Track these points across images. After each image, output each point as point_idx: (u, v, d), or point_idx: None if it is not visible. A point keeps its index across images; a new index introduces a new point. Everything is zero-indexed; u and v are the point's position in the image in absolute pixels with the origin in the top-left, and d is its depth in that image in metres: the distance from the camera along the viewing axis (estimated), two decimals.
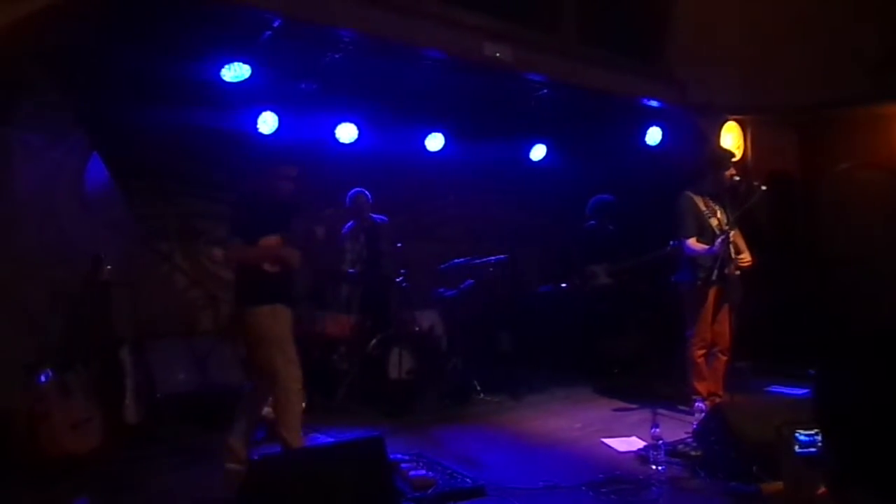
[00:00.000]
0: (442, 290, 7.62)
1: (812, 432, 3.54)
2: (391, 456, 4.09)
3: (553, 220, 9.28)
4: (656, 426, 4.64)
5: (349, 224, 7.25)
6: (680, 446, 4.92)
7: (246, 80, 5.85)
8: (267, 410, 4.78)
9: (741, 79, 8.01)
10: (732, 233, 5.64)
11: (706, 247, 5.66)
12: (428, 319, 7.72)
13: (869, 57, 7.74)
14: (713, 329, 5.79)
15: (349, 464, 3.68)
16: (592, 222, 8.07)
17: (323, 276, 7.19)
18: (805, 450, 3.55)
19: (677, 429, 5.43)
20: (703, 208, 5.82)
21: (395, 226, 7.34)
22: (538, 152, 8.49)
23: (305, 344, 6.49)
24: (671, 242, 6.09)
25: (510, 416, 6.36)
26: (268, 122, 6.54)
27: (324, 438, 5.49)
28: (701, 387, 5.78)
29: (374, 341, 6.53)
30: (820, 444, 3.37)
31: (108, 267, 5.77)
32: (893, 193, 7.80)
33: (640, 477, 4.51)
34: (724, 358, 5.86)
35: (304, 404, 5.80)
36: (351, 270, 7.09)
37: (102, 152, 6.29)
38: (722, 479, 4.32)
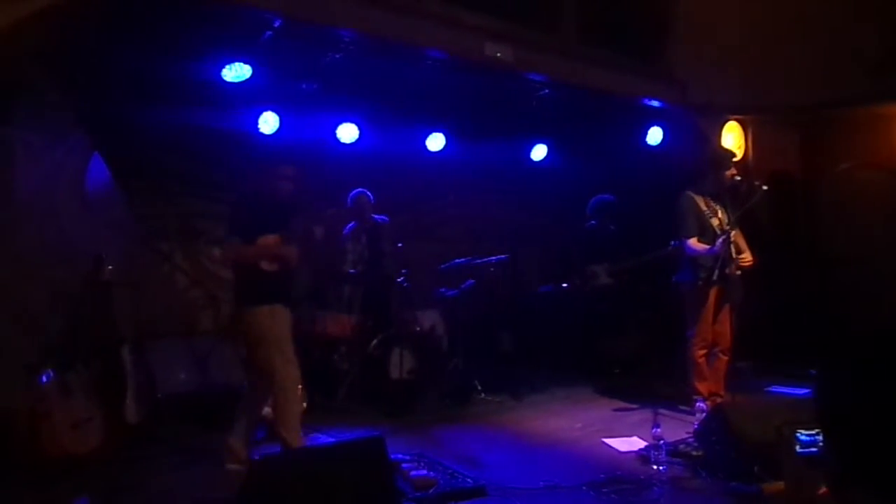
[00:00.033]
0: (443, 290, 7.62)
1: (813, 432, 3.54)
2: (392, 456, 4.08)
3: (554, 220, 9.28)
4: (657, 426, 4.64)
5: (351, 225, 7.25)
6: (681, 446, 4.92)
7: (247, 80, 5.85)
8: (267, 410, 4.79)
9: (742, 79, 8.01)
10: (733, 233, 5.64)
11: (707, 247, 5.66)
12: (429, 319, 7.72)
13: (869, 57, 7.74)
14: (714, 329, 5.79)
15: (350, 464, 3.68)
16: (593, 222, 8.07)
17: (324, 276, 7.19)
18: (806, 450, 3.55)
19: (678, 429, 5.43)
20: (704, 208, 5.82)
21: (395, 226, 7.34)
22: (539, 152, 8.50)
23: (306, 344, 6.52)
24: (672, 242, 6.09)
25: (511, 416, 6.35)
26: (269, 123, 6.55)
27: (325, 438, 5.49)
28: (702, 387, 5.78)
29: (375, 341, 6.53)
30: (821, 444, 3.37)
31: (109, 267, 5.77)
32: (894, 193, 7.80)
33: (641, 477, 4.51)
34: (725, 358, 5.86)
35: (304, 404, 5.84)
36: (352, 271, 7.09)
37: (103, 152, 6.30)
38: (723, 479, 4.32)
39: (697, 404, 5.55)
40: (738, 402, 5.63)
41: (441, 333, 7.84)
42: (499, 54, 6.39)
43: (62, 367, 4.91)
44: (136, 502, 4.34)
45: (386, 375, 6.40)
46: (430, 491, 4.15)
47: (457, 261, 7.38)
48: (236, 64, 5.77)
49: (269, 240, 4.50)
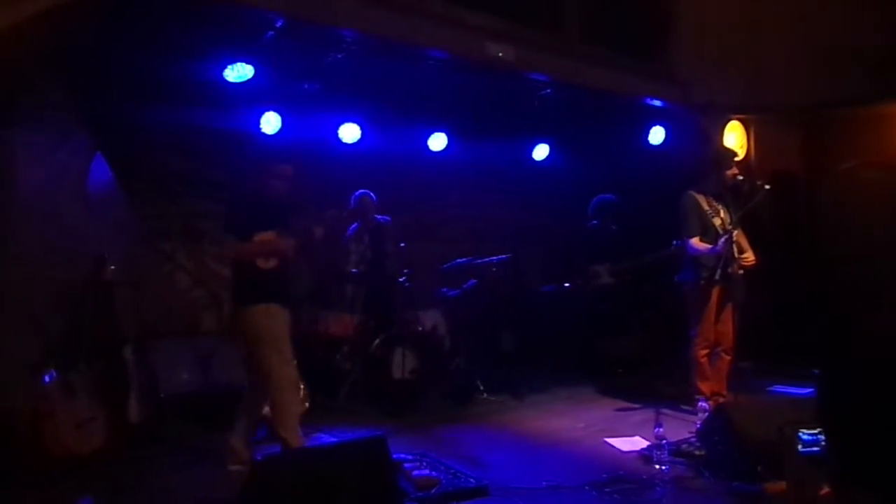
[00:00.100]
0: (445, 289, 7.62)
1: (815, 432, 3.54)
2: (394, 456, 4.08)
3: (556, 219, 9.28)
4: (660, 426, 4.64)
5: (354, 225, 7.26)
6: (683, 446, 4.91)
7: (249, 80, 5.85)
8: (268, 410, 4.79)
9: (744, 78, 8.00)
10: (735, 232, 5.64)
11: (709, 246, 5.65)
12: (431, 319, 7.73)
13: (871, 56, 7.73)
14: (716, 329, 5.78)
15: (352, 463, 3.68)
16: (595, 222, 8.06)
17: (326, 276, 7.20)
18: (808, 449, 3.55)
19: (681, 428, 5.42)
20: (707, 208, 5.82)
21: (397, 226, 7.34)
22: (541, 152, 8.50)
23: (309, 344, 6.53)
24: (674, 242, 6.09)
25: (513, 416, 6.35)
26: (271, 123, 6.56)
27: (327, 438, 5.50)
28: (704, 386, 5.77)
29: (377, 341, 6.53)
30: (823, 443, 3.37)
31: (112, 267, 5.78)
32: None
33: (644, 477, 4.51)
34: (728, 357, 5.86)
35: (307, 404, 5.85)
36: (354, 270, 7.10)
37: (105, 153, 6.31)
38: (726, 478, 4.32)
39: (700, 404, 5.55)
40: (740, 402, 5.63)
41: (443, 333, 7.85)
42: (500, 54, 6.39)
43: (65, 367, 4.92)
44: (139, 502, 4.34)
45: (388, 375, 6.41)
46: (433, 491, 4.15)
47: (458, 261, 7.38)
48: (238, 64, 5.78)
49: (266, 236, 4.50)
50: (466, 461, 4.88)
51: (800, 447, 3.61)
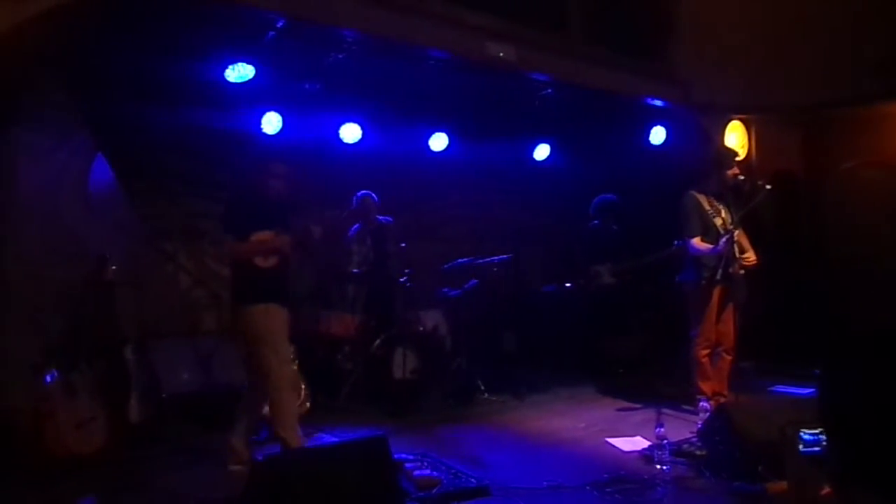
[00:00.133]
0: (446, 289, 7.62)
1: (816, 432, 3.54)
2: (395, 455, 4.08)
3: (557, 219, 9.28)
4: (661, 426, 4.63)
5: (356, 226, 7.27)
6: (685, 446, 4.91)
7: (250, 80, 5.86)
8: (268, 410, 4.79)
9: (745, 78, 8.00)
10: (737, 232, 5.63)
11: (710, 246, 5.65)
12: (432, 319, 7.72)
13: (872, 56, 7.72)
14: (718, 329, 5.78)
15: (353, 463, 3.69)
16: (596, 222, 8.06)
17: (327, 276, 7.20)
18: (809, 449, 3.55)
19: (682, 428, 5.42)
20: (708, 208, 5.81)
21: (398, 226, 7.35)
22: (542, 152, 8.50)
23: (310, 343, 6.54)
24: (675, 242, 6.08)
25: (514, 416, 6.35)
26: (272, 123, 6.56)
27: (328, 438, 5.50)
28: (705, 386, 5.77)
29: (378, 341, 6.54)
30: (824, 443, 3.37)
31: (113, 267, 5.78)
32: None
33: (645, 477, 4.50)
34: (729, 357, 5.85)
35: (308, 404, 5.86)
36: (355, 270, 7.10)
37: (107, 153, 6.31)
38: (727, 478, 4.31)
39: (701, 404, 5.54)
40: (741, 402, 5.62)
41: (444, 333, 7.84)
42: (501, 54, 6.39)
43: (66, 366, 4.93)
44: (140, 502, 4.34)
45: (389, 375, 6.41)
46: (434, 491, 4.15)
47: (460, 261, 7.38)
48: (239, 64, 5.78)
49: (264, 236, 4.50)
50: (467, 461, 4.88)
51: (801, 447, 3.61)
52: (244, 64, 5.78)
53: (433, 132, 7.71)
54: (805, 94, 7.98)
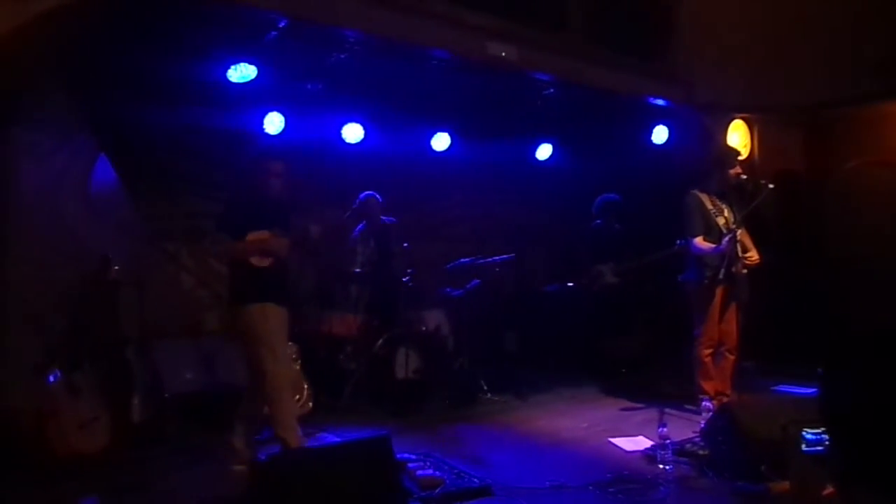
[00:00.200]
0: (448, 289, 7.62)
1: (819, 431, 3.53)
2: (398, 455, 4.09)
3: (559, 219, 9.27)
4: (663, 425, 4.63)
5: (359, 226, 7.28)
6: (687, 445, 4.91)
7: (252, 80, 5.86)
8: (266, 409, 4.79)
9: (747, 78, 7.99)
10: (739, 231, 5.63)
11: (713, 245, 5.65)
12: (434, 319, 7.72)
13: (874, 55, 7.71)
14: (720, 328, 5.78)
15: (356, 463, 3.69)
16: (598, 221, 8.06)
17: (329, 275, 7.21)
18: (812, 448, 3.54)
19: (685, 428, 5.42)
20: (710, 207, 5.81)
21: (400, 226, 7.35)
22: (544, 152, 8.50)
23: (312, 343, 6.54)
24: (678, 241, 6.07)
25: (517, 416, 6.35)
26: (274, 123, 6.57)
27: (331, 438, 5.50)
28: (708, 386, 5.77)
29: (380, 341, 6.53)
30: (827, 442, 3.36)
31: (115, 267, 5.79)
32: None
33: (648, 476, 4.50)
34: (732, 357, 5.85)
35: (310, 404, 5.86)
36: (357, 270, 7.11)
37: (109, 153, 6.32)
38: (730, 478, 4.31)
39: (704, 403, 5.54)
40: (744, 402, 5.62)
41: (446, 333, 7.84)
42: (503, 54, 6.39)
43: (69, 366, 4.93)
44: (143, 501, 4.35)
45: (392, 375, 6.41)
46: (437, 490, 4.15)
47: (462, 260, 7.38)
48: (241, 64, 5.79)
49: (260, 235, 4.48)
50: (470, 461, 4.88)
51: (803, 447, 3.60)
52: (246, 64, 5.79)
53: (435, 132, 7.71)
54: (807, 94, 7.97)
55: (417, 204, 8.43)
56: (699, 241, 5.73)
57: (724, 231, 5.68)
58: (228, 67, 5.78)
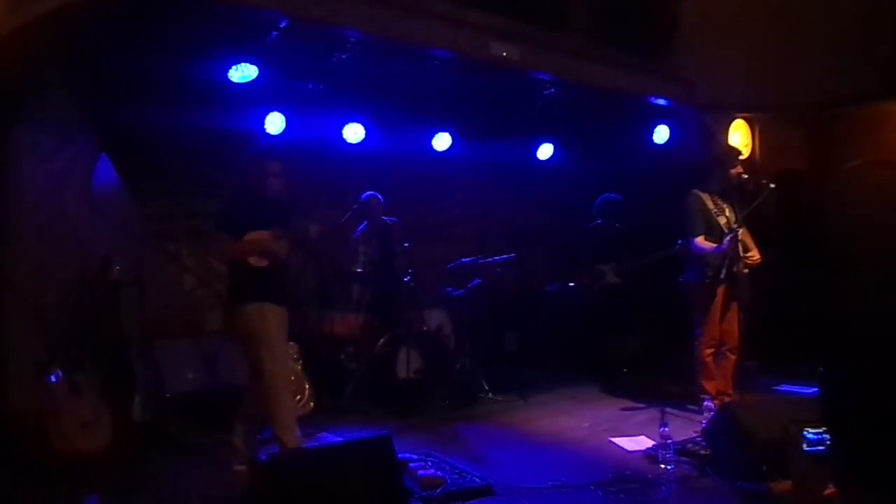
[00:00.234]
0: (449, 289, 7.62)
1: (820, 430, 3.53)
2: (400, 455, 4.08)
3: (560, 219, 9.27)
4: (665, 425, 4.63)
5: (361, 226, 7.28)
6: (689, 445, 4.91)
7: (253, 80, 5.87)
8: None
9: (748, 77, 7.98)
10: (741, 231, 5.63)
11: (714, 245, 5.65)
12: (436, 319, 7.72)
13: (877, 55, 7.71)
14: (722, 328, 5.77)
15: (358, 463, 3.69)
16: (599, 221, 8.05)
17: (330, 275, 7.21)
18: (813, 448, 3.54)
19: (686, 428, 5.42)
20: (712, 206, 5.81)
21: (402, 225, 7.35)
22: (545, 151, 8.50)
23: (314, 343, 6.54)
24: (679, 241, 6.07)
25: (518, 416, 6.35)
26: (275, 123, 6.57)
27: (332, 438, 5.50)
28: (710, 386, 5.76)
29: (382, 341, 6.53)
30: (828, 442, 3.36)
31: (117, 267, 5.79)
32: None
33: (649, 476, 4.50)
34: (733, 357, 5.85)
35: (311, 404, 5.86)
36: (359, 270, 7.11)
37: (110, 153, 6.33)
38: (731, 478, 4.31)
39: (705, 403, 5.54)
40: (746, 401, 5.61)
41: (448, 333, 7.84)
42: (504, 53, 6.39)
43: (71, 366, 4.93)
44: (144, 501, 4.35)
45: (393, 375, 6.41)
46: (438, 490, 4.15)
47: (463, 260, 7.38)
48: (242, 64, 5.79)
49: (259, 235, 4.48)
50: (471, 460, 4.88)
51: (805, 446, 3.60)
52: (247, 64, 5.79)
53: (436, 132, 7.71)
54: (809, 93, 7.96)
55: (418, 204, 8.43)
56: (700, 240, 5.73)
57: (726, 231, 5.68)
58: (229, 67, 5.78)
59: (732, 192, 5.89)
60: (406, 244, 6.98)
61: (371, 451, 3.82)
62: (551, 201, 9.19)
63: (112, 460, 4.82)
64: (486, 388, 6.99)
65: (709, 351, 5.78)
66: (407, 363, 6.46)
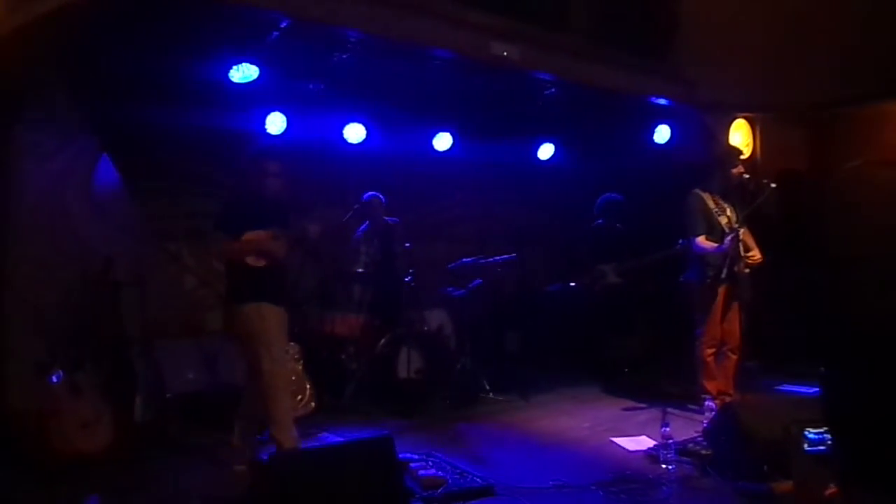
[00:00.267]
0: (450, 289, 7.62)
1: (821, 430, 3.53)
2: (400, 455, 4.08)
3: (561, 219, 9.27)
4: (666, 425, 4.63)
5: (363, 227, 7.28)
6: (690, 445, 4.91)
7: (254, 80, 5.86)
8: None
9: (750, 76, 7.98)
10: (742, 231, 5.62)
11: (715, 245, 5.65)
12: (436, 319, 7.72)
13: (878, 54, 7.70)
14: (723, 328, 5.77)
15: (358, 463, 3.69)
16: (600, 221, 8.05)
17: (331, 275, 7.21)
18: (814, 448, 3.54)
19: (687, 428, 5.42)
20: (713, 206, 5.81)
21: (402, 225, 7.35)
22: (546, 151, 8.49)
23: (315, 343, 6.54)
24: (680, 241, 6.07)
25: (519, 416, 6.35)
26: (276, 123, 6.57)
27: (333, 438, 5.50)
28: (711, 386, 5.76)
29: (383, 341, 6.53)
30: (829, 442, 3.36)
31: (118, 267, 5.79)
32: None
33: (650, 476, 4.50)
34: (734, 357, 5.85)
35: (312, 404, 5.86)
36: (360, 270, 7.11)
37: (111, 153, 6.33)
38: (732, 478, 4.31)
39: (706, 403, 5.53)
40: (747, 401, 5.61)
41: (449, 333, 7.84)
42: (505, 53, 6.38)
43: (71, 366, 4.93)
44: (145, 501, 4.35)
45: (394, 375, 6.41)
46: (439, 490, 4.15)
47: (464, 260, 7.38)
48: (243, 65, 5.79)
49: (257, 234, 4.47)
50: (472, 461, 4.88)
51: (806, 446, 3.60)
52: (248, 64, 5.79)
53: (437, 132, 7.71)
54: (809, 93, 7.96)
55: (419, 204, 8.43)
56: (701, 240, 5.72)
57: (727, 230, 5.67)
58: (230, 67, 5.78)
59: (733, 192, 5.89)
60: (407, 244, 6.98)
61: (372, 452, 3.82)
62: (552, 201, 9.19)
63: (112, 460, 4.82)
64: (487, 388, 6.99)
65: (710, 351, 5.78)
66: (408, 363, 6.46)
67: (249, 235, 4.44)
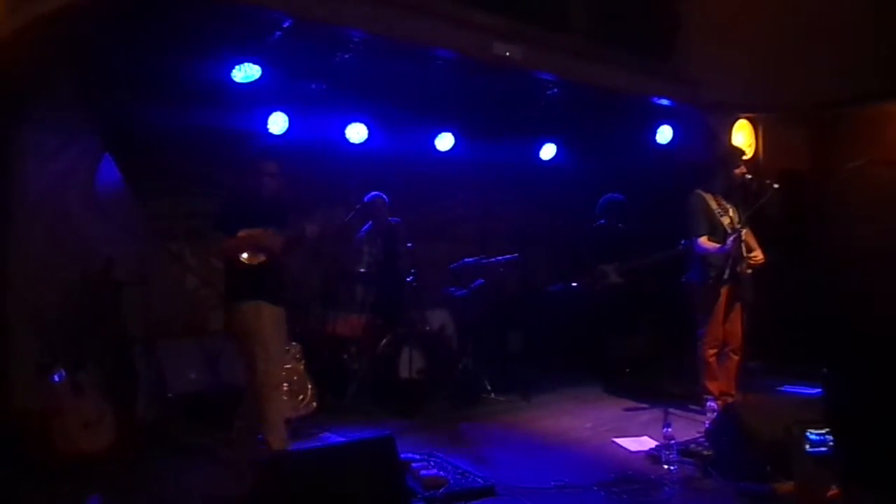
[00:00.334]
0: (452, 289, 7.62)
1: (823, 431, 3.52)
2: (402, 455, 4.09)
3: (563, 219, 9.27)
4: (668, 426, 4.63)
5: (366, 227, 7.28)
6: (692, 446, 4.91)
7: (256, 80, 5.87)
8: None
9: (752, 77, 7.98)
10: (744, 231, 5.62)
11: (718, 245, 5.64)
12: (438, 319, 7.72)
13: (880, 55, 7.69)
14: (725, 328, 5.77)
15: (360, 463, 3.69)
16: (602, 221, 8.04)
17: (334, 275, 7.21)
18: (816, 449, 3.53)
19: (689, 428, 5.42)
20: (715, 207, 5.81)
21: (404, 226, 7.35)
22: (548, 151, 8.49)
23: (317, 343, 6.54)
24: (682, 241, 6.06)
25: (521, 416, 6.35)
26: (278, 123, 6.57)
27: (334, 437, 5.50)
28: (713, 386, 5.76)
29: (384, 341, 6.54)
30: (831, 443, 3.36)
31: (120, 267, 5.80)
32: None
33: (652, 477, 4.50)
34: (736, 357, 5.84)
35: (315, 404, 5.85)
36: (362, 270, 7.11)
37: (114, 153, 6.33)
38: (734, 478, 4.31)
39: (708, 404, 5.53)
40: (749, 402, 5.61)
41: (451, 333, 7.84)
42: (507, 53, 6.39)
43: (73, 366, 4.94)
44: (147, 501, 4.36)
45: (396, 375, 6.41)
46: (441, 490, 4.16)
47: (466, 260, 7.38)
48: (246, 64, 5.79)
49: (248, 233, 4.46)
50: (474, 461, 4.88)
51: (808, 447, 3.60)
52: (251, 64, 5.79)
53: (439, 132, 7.71)
54: (812, 93, 7.95)
55: (421, 204, 8.43)
56: (704, 240, 5.72)
57: (729, 231, 5.67)
58: (233, 67, 5.78)
59: (736, 193, 5.88)
60: (409, 244, 6.98)
61: (374, 451, 3.82)
62: (554, 201, 9.18)
63: (114, 460, 4.83)
64: (489, 388, 6.99)
65: (712, 351, 5.77)
66: (410, 363, 6.46)
67: (244, 233, 4.43)
